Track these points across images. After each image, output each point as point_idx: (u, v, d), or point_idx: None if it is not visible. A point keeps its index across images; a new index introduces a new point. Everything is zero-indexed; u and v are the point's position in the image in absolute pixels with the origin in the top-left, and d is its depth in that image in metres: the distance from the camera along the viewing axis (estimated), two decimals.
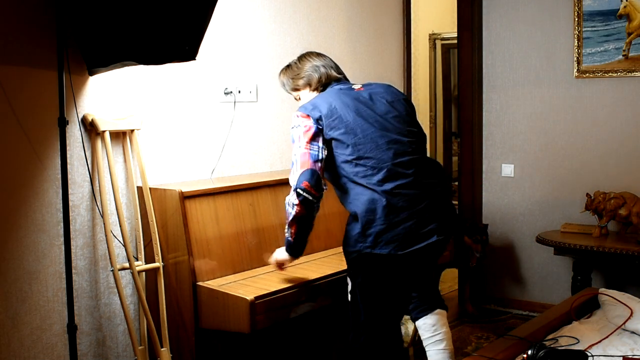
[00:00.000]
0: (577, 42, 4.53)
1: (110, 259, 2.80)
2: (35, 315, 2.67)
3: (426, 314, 2.96)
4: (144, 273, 2.96)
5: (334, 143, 2.53)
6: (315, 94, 2.73)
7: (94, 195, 2.83)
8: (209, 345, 2.88)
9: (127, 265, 2.85)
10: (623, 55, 4.39)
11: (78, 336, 2.77)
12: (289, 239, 2.63)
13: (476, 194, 5.00)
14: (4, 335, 2.58)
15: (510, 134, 4.86)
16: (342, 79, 2.76)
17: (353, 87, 2.68)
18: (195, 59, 2.72)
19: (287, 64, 2.82)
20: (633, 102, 4.40)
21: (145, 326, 2.91)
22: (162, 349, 2.87)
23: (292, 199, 2.52)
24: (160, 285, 2.92)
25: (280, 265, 2.83)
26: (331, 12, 3.96)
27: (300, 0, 3.75)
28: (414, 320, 3.00)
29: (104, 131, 2.78)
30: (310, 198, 2.49)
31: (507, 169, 4.89)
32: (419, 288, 2.93)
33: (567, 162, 4.65)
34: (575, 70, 4.56)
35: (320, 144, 2.52)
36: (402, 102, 2.68)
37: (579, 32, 4.51)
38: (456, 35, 5.07)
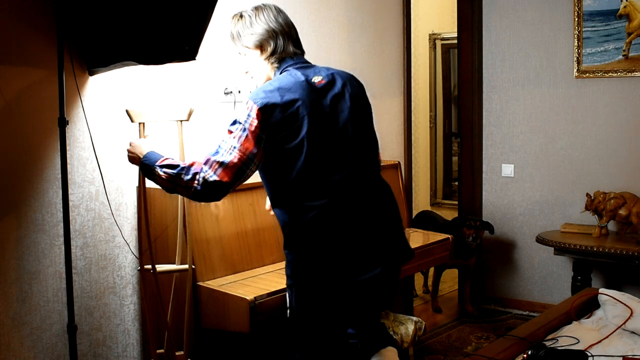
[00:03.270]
0: (577, 42, 4.53)
1: (140, 259, 2.75)
2: (35, 315, 2.67)
3: (375, 353, 2.58)
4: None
5: (284, 153, 2.24)
6: (266, 64, 2.38)
7: (106, 194, 2.83)
8: (209, 345, 2.88)
9: (148, 266, 2.76)
10: (623, 55, 4.39)
11: (78, 336, 2.77)
12: (161, 175, 2.29)
13: (476, 194, 5.00)
14: (4, 335, 2.58)
15: (510, 134, 4.86)
16: (298, 54, 2.41)
17: (314, 80, 2.31)
18: (195, 59, 2.72)
19: (239, 12, 2.43)
20: (633, 102, 4.40)
21: (148, 328, 2.89)
22: (179, 353, 2.81)
23: (196, 179, 2.21)
24: (185, 287, 2.84)
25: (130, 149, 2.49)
26: (331, 12, 3.96)
27: (300, 0, 3.74)
28: None
29: (141, 123, 2.67)
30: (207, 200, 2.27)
31: (507, 169, 4.89)
32: (361, 325, 2.57)
33: (567, 162, 4.65)
34: (575, 70, 4.56)
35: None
36: (362, 104, 2.40)
37: (579, 32, 4.51)
38: (456, 35, 5.07)
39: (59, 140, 2.65)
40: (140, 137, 2.64)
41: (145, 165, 2.35)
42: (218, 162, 2.19)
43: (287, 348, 2.49)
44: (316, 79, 2.32)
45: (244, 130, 2.19)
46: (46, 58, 2.64)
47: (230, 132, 2.22)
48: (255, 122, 2.18)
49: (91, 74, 2.76)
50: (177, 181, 2.24)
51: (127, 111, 2.65)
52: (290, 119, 2.21)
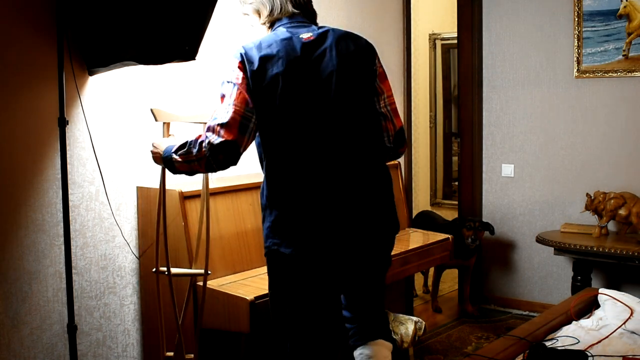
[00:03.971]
0: (577, 42, 4.53)
1: (167, 262, 2.71)
2: (35, 315, 2.67)
3: (364, 343, 2.43)
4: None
5: (260, 107, 2.16)
6: (263, 28, 2.35)
7: (106, 194, 2.83)
8: (208, 345, 2.88)
9: (163, 268, 2.72)
10: (623, 55, 4.39)
11: (78, 336, 2.77)
12: (178, 160, 2.21)
13: (476, 194, 5.00)
14: (4, 335, 2.58)
15: (510, 134, 4.86)
16: (296, 14, 2.31)
17: (302, 36, 2.22)
18: (195, 59, 2.72)
19: None
20: (633, 102, 4.40)
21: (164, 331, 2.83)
22: (189, 356, 2.76)
23: (203, 146, 2.13)
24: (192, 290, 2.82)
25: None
26: (331, 12, 3.96)
27: None
28: (351, 348, 2.49)
29: (165, 123, 2.61)
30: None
31: (507, 169, 4.89)
32: (354, 308, 2.44)
33: (567, 162, 4.65)
34: (575, 70, 4.56)
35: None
36: (354, 65, 2.25)
37: (579, 32, 4.51)
38: (456, 35, 5.07)
39: (59, 140, 2.65)
40: (164, 136, 2.59)
41: (165, 159, 2.27)
42: (219, 124, 2.12)
43: (276, 339, 2.40)
44: (305, 35, 2.23)
45: (234, 85, 2.15)
46: (46, 58, 2.64)
47: (223, 96, 2.17)
48: (241, 74, 2.15)
49: (91, 74, 2.76)
50: (189, 157, 2.17)
51: (151, 110, 2.60)
52: (266, 74, 2.15)
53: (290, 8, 2.30)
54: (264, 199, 2.24)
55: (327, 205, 2.17)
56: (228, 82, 2.16)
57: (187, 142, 2.18)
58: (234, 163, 2.16)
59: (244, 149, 2.16)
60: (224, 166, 2.16)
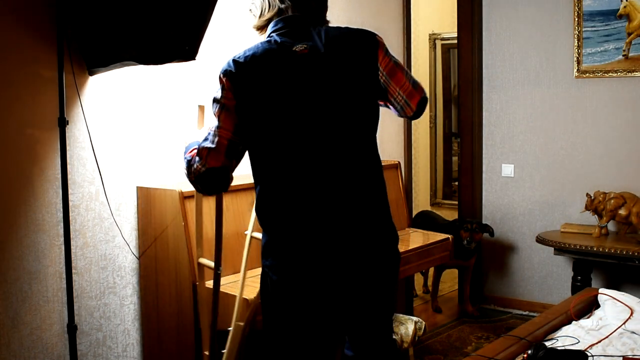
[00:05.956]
0: (577, 42, 4.53)
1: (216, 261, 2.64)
2: (35, 315, 2.67)
3: None
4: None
5: (249, 123, 2.02)
6: (257, 34, 2.21)
7: (106, 194, 2.83)
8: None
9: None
10: (623, 55, 4.39)
11: (78, 336, 2.77)
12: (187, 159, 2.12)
13: (476, 194, 5.00)
14: (4, 335, 2.58)
15: (510, 134, 4.87)
16: (285, 9, 2.11)
17: (295, 49, 2.02)
18: (195, 59, 2.72)
19: None
20: (633, 102, 4.40)
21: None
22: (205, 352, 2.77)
23: (192, 172, 2.06)
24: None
25: None
26: (331, 12, 3.94)
27: None
28: None
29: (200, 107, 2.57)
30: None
31: (507, 169, 4.89)
32: (356, 347, 2.20)
33: (567, 162, 4.66)
34: (575, 70, 4.56)
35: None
36: (350, 73, 2.04)
37: (579, 32, 4.51)
38: (456, 35, 5.07)
39: (59, 140, 2.65)
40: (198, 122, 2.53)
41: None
42: (206, 148, 2.01)
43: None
44: (299, 47, 2.02)
45: (223, 106, 2.01)
46: (46, 58, 2.64)
47: (214, 115, 2.06)
48: (227, 93, 2.01)
49: (91, 74, 2.76)
50: (187, 176, 2.10)
51: (198, 106, 2.58)
52: (254, 91, 1.99)
53: (277, 2, 2.11)
54: (259, 220, 2.11)
55: (321, 231, 2.01)
56: (216, 101, 2.04)
57: (190, 158, 2.09)
58: (225, 188, 2.08)
59: (233, 171, 2.07)
60: (213, 192, 2.12)
